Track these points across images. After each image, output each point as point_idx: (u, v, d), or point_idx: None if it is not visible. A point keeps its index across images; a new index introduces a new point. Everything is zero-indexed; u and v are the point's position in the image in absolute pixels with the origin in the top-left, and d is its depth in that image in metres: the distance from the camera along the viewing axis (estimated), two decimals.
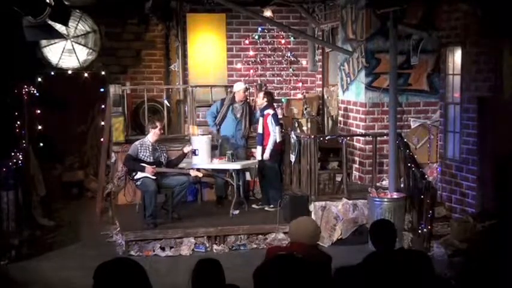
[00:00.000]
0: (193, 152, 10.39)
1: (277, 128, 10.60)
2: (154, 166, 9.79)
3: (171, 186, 9.94)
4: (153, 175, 9.76)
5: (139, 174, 9.83)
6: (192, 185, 10.75)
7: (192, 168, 10.21)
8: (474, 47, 9.76)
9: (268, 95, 10.94)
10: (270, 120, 10.55)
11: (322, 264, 4.74)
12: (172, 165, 10.13)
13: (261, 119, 10.68)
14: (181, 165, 10.52)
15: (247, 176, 11.10)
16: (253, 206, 10.87)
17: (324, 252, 4.90)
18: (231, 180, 10.69)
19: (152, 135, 9.93)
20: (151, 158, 9.88)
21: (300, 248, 4.74)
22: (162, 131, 10.29)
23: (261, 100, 10.73)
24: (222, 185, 11.03)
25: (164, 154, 10.08)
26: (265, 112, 10.66)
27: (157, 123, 10.08)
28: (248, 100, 11.30)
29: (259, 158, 10.64)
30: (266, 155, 10.54)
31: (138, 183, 9.91)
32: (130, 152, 9.94)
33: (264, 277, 3.04)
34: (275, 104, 12.47)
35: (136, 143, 10.02)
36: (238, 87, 11.00)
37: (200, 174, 10.21)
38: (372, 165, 10.58)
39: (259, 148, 10.66)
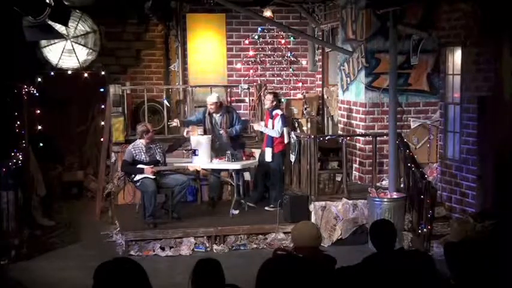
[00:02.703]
0: (193, 152, 10.39)
1: (285, 129, 10.61)
2: (152, 166, 9.80)
3: (171, 186, 9.95)
4: (153, 175, 9.77)
5: (139, 176, 9.84)
6: (191, 183, 10.73)
7: (189, 163, 10.21)
8: (474, 47, 9.76)
9: (276, 96, 10.98)
10: (278, 120, 10.55)
11: (326, 265, 4.73)
12: (172, 150, 10.26)
13: (270, 121, 10.67)
14: (181, 165, 10.53)
15: (247, 176, 11.08)
16: (248, 203, 10.78)
17: (329, 255, 4.90)
18: (231, 180, 10.70)
19: (146, 139, 9.95)
20: (147, 158, 9.91)
21: (305, 251, 4.73)
22: (153, 132, 10.24)
23: (270, 103, 10.69)
24: (216, 185, 11.01)
25: (158, 150, 10.09)
26: (274, 113, 10.68)
27: (149, 127, 10.05)
28: (227, 105, 11.18)
29: (268, 159, 10.61)
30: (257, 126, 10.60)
31: (138, 184, 9.92)
32: (126, 157, 9.98)
33: (265, 277, 3.04)
34: None
35: (130, 147, 10.07)
36: (207, 99, 10.87)
37: (199, 168, 10.19)
38: (371, 165, 10.58)
39: (268, 150, 10.63)
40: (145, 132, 9.92)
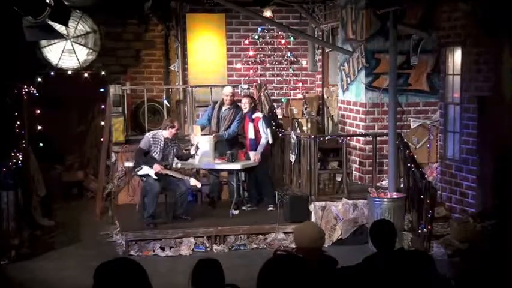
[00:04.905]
0: (197, 148, 10.37)
1: (269, 130, 10.60)
2: (162, 165, 9.69)
3: (172, 191, 9.90)
4: (157, 175, 9.69)
5: (144, 171, 9.77)
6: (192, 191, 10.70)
7: (191, 176, 10.04)
8: (474, 47, 9.76)
9: (253, 98, 10.96)
10: (261, 123, 10.55)
11: (326, 266, 4.72)
12: (180, 158, 10.13)
13: (251, 125, 10.63)
14: (187, 167, 10.48)
15: (243, 176, 11.03)
16: (243, 208, 10.76)
17: (330, 256, 4.90)
18: (232, 180, 10.69)
19: (168, 133, 9.85)
20: (161, 153, 9.81)
21: (306, 252, 4.73)
22: (178, 132, 10.20)
23: (249, 106, 10.67)
24: (216, 185, 10.99)
25: (174, 151, 10.01)
26: (255, 116, 10.64)
27: (176, 124, 10.00)
28: (237, 102, 11.11)
29: (258, 162, 10.61)
30: (257, 157, 10.51)
31: (144, 180, 9.86)
32: (142, 145, 9.82)
33: (266, 277, 3.04)
34: (275, 104, 12.54)
35: (149, 135, 9.88)
36: (223, 91, 10.94)
37: (199, 185, 10.02)
38: (372, 165, 10.58)
39: (252, 154, 10.62)
40: (169, 126, 9.85)
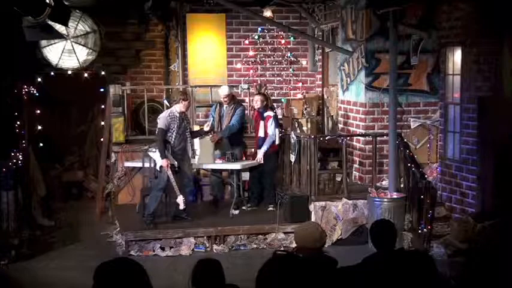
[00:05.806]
0: (201, 135, 10.38)
1: (277, 130, 10.62)
2: (168, 165, 9.63)
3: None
4: (160, 169, 9.67)
5: (154, 155, 9.77)
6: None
7: (180, 195, 9.87)
8: (474, 47, 9.76)
9: (266, 97, 10.98)
10: (270, 123, 10.57)
11: (326, 267, 4.73)
12: (195, 135, 10.23)
13: (262, 123, 10.66)
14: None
15: (246, 176, 11.05)
16: (243, 208, 10.77)
17: (330, 257, 4.90)
18: (231, 181, 10.69)
19: (181, 106, 9.85)
20: (179, 129, 9.79)
21: (306, 252, 4.73)
22: (189, 102, 10.31)
23: (261, 103, 10.72)
24: (217, 184, 10.97)
25: (188, 125, 10.05)
26: (266, 115, 10.67)
27: (187, 96, 10.12)
28: (238, 100, 11.17)
29: (260, 161, 10.62)
30: (260, 156, 10.53)
31: (157, 169, 9.84)
32: (162, 126, 9.72)
33: (265, 277, 3.04)
34: (275, 104, 12.54)
35: (165, 115, 9.83)
36: (220, 92, 10.97)
37: (182, 206, 9.84)
38: (371, 165, 10.58)
39: (258, 151, 10.65)
40: (182, 99, 9.86)
